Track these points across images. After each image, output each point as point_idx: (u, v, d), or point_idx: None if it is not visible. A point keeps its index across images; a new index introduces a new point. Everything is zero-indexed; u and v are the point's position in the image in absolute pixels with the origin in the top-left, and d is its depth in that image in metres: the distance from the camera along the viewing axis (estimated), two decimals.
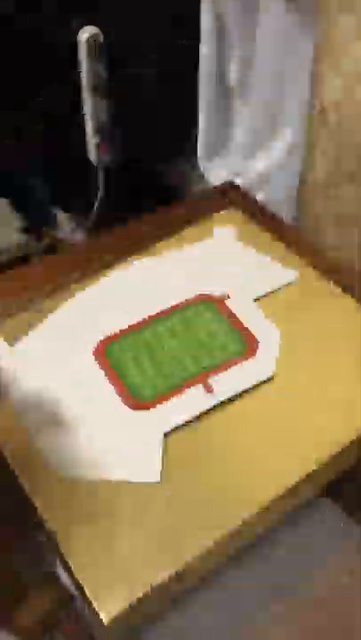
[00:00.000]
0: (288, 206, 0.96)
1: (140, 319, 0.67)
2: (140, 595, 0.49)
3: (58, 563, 0.58)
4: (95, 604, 0.49)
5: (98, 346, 0.65)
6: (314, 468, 0.56)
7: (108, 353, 0.64)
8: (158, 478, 0.55)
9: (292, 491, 0.55)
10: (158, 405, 0.60)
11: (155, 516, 0.53)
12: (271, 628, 0.56)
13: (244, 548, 0.57)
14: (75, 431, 0.58)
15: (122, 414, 0.59)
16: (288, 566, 0.60)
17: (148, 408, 0.59)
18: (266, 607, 0.58)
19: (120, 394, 0.61)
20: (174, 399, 0.60)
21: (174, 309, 0.69)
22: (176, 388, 0.61)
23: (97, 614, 0.48)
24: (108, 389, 0.61)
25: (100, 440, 0.57)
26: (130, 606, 0.49)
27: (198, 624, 0.56)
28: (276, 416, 0.59)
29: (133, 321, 0.67)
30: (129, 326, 0.67)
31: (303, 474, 0.55)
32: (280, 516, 0.58)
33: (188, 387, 0.61)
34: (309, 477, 0.56)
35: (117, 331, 0.66)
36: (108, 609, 0.48)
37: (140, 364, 0.63)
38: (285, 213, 0.90)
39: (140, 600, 0.49)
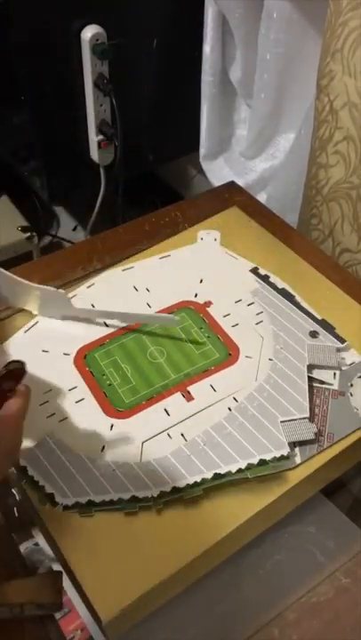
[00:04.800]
0: (290, 207, 0.96)
1: (121, 326, 0.67)
2: (139, 595, 0.49)
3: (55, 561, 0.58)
4: (94, 604, 0.48)
5: (77, 353, 0.64)
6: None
7: (88, 361, 0.63)
8: None
9: (293, 491, 0.55)
10: (138, 414, 0.59)
11: (154, 516, 0.53)
12: (271, 628, 0.56)
13: (244, 548, 0.57)
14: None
15: (101, 423, 0.58)
16: (288, 567, 0.60)
17: (127, 416, 0.59)
18: (265, 607, 0.58)
19: (99, 402, 0.60)
20: (154, 407, 0.59)
21: None
22: (156, 397, 0.60)
23: (96, 613, 0.48)
24: (87, 398, 0.60)
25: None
26: (128, 606, 0.48)
27: (197, 624, 0.56)
28: None
29: (114, 328, 0.66)
30: (110, 334, 0.66)
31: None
32: (281, 515, 0.58)
33: (169, 395, 0.60)
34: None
35: (98, 338, 0.66)
36: (106, 608, 0.48)
37: (120, 372, 0.62)
38: (287, 214, 0.89)
39: (138, 600, 0.49)
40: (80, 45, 0.93)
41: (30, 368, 0.62)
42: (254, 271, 0.73)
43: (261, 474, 0.54)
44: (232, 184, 0.88)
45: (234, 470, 0.54)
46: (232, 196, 0.85)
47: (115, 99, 0.98)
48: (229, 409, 0.59)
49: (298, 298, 0.69)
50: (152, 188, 1.42)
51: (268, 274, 0.72)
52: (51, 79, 0.97)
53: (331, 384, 0.61)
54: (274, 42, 0.88)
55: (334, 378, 0.61)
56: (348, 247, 0.82)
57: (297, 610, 0.57)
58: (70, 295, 0.70)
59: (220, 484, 0.54)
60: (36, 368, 0.62)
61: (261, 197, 1.05)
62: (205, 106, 1.07)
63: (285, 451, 0.55)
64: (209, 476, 0.54)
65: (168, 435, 0.57)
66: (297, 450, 0.56)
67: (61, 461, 0.55)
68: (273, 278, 0.72)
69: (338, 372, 0.62)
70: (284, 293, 0.70)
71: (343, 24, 0.68)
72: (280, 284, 0.71)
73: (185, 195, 1.43)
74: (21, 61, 0.95)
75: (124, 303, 0.69)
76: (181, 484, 0.53)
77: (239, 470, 0.54)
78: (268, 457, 0.55)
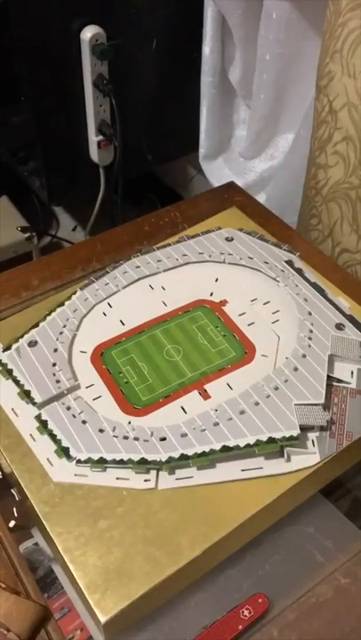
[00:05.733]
0: (289, 207, 0.96)
1: (137, 324, 0.67)
2: (138, 595, 0.49)
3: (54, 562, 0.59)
4: (92, 604, 0.48)
5: (94, 351, 0.64)
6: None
7: (105, 358, 0.64)
8: (154, 485, 0.54)
9: (292, 490, 0.55)
10: (155, 411, 0.59)
11: (153, 516, 0.53)
12: (271, 628, 0.56)
13: (243, 548, 0.57)
14: None
15: (118, 420, 0.58)
16: (287, 567, 0.60)
17: (144, 414, 0.59)
18: None
19: (116, 400, 0.60)
20: (171, 405, 0.59)
21: (173, 315, 0.68)
22: (173, 395, 0.60)
23: (94, 613, 0.48)
24: (104, 395, 0.61)
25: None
26: (127, 606, 0.48)
27: (197, 624, 0.56)
28: None
29: (131, 326, 0.67)
30: (126, 332, 0.66)
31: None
32: (280, 515, 0.58)
33: (186, 393, 0.60)
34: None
35: (114, 336, 0.66)
36: (105, 608, 0.48)
37: (137, 370, 0.63)
38: (286, 214, 0.90)
39: (137, 600, 0.49)
40: (80, 45, 0.93)
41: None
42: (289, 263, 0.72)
43: (269, 451, 0.55)
44: (231, 184, 0.88)
45: (242, 445, 0.55)
46: (231, 196, 0.85)
47: (114, 99, 0.98)
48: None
49: (328, 292, 0.69)
50: (152, 188, 1.42)
51: (301, 267, 0.72)
52: (50, 79, 0.97)
53: (349, 382, 0.61)
54: (273, 42, 0.88)
55: (352, 376, 0.61)
56: (348, 247, 0.82)
57: (296, 610, 0.57)
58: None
59: (220, 483, 0.54)
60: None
61: (261, 198, 1.06)
62: (205, 106, 1.07)
63: (295, 432, 0.55)
64: (217, 447, 0.55)
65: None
66: (316, 448, 0.56)
67: (80, 419, 0.57)
68: (305, 271, 0.72)
69: (355, 371, 0.62)
70: (315, 286, 0.70)
71: (342, 25, 0.68)
72: (312, 278, 0.71)
73: (184, 195, 1.44)
74: (21, 62, 0.95)
75: (139, 302, 0.69)
76: (190, 452, 0.55)
77: (247, 445, 0.55)
78: (277, 435, 0.55)
